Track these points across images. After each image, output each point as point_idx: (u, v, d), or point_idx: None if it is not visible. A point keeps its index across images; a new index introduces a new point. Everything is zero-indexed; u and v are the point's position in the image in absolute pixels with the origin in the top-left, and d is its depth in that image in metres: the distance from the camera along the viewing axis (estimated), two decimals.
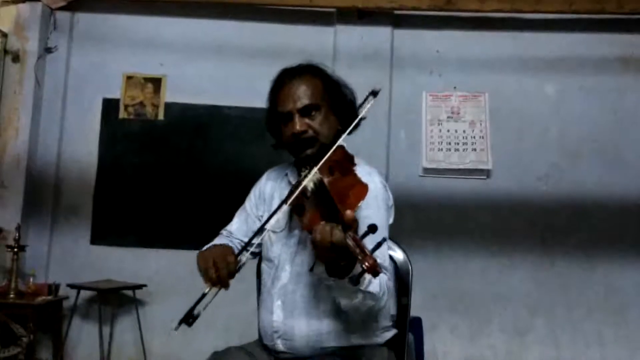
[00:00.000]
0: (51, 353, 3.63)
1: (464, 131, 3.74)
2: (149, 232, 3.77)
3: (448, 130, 3.75)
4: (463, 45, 3.81)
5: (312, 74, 1.57)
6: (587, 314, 3.62)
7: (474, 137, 3.73)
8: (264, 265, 1.63)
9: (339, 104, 1.57)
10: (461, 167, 3.71)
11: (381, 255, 1.38)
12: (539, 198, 3.70)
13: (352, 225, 1.17)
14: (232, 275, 1.36)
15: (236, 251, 1.48)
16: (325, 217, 1.25)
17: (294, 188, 1.41)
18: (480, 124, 3.74)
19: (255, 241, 1.46)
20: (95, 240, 3.77)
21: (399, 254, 1.76)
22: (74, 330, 3.64)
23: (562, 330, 3.63)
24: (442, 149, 3.73)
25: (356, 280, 1.17)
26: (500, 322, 3.66)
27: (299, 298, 1.50)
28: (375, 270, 1.11)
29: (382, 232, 1.41)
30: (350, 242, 1.14)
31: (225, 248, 1.49)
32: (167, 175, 3.81)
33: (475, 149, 3.71)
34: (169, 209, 3.78)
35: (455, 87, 3.79)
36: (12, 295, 3.31)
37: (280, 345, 1.51)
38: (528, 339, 3.64)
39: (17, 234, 3.37)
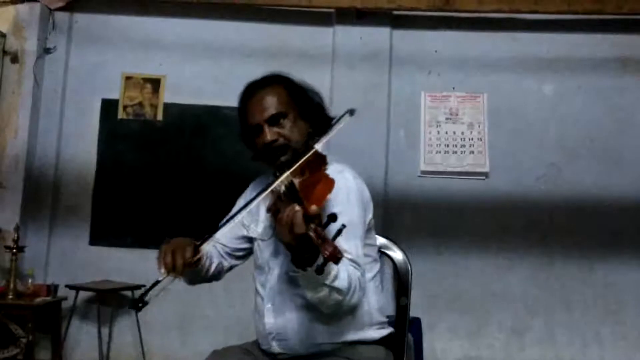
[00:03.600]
0: (50, 354, 3.63)
1: (462, 133, 3.74)
2: (148, 233, 3.77)
3: (446, 132, 3.75)
4: (461, 45, 3.81)
5: (276, 83, 1.61)
6: (586, 313, 3.63)
7: (472, 140, 3.73)
8: (255, 273, 1.66)
9: (307, 108, 1.59)
10: (459, 169, 3.72)
11: (354, 251, 1.42)
12: (537, 198, 3.71)
13: (313, 217, 1.18)
14: (188, 265, 1.41)
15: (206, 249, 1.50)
16: None
17: (262, 190, 1.42)
18: (479, 126, 3.74)
19: (223, 230, 1.49)
20: (94, 240, 3.78)
21: (398, 254, 1.76)
22: (72, 330, 3.64)
23: (560, 329, 3.64)
24: (440, 152, 3.73)
25: (320, 270, 1.19)
26: (499, 322, 3.67)
27: (288, 297, 1.52)
28: (335, 256, 1.12)
29: (357, 227, 1.46)
30: (312, 233, 1.16)
31: (187, 240, 1.49)
32: (166, 176, 3.81)
33: (473, 152, 3.72)
34: (168, 209, 3.78)
35: (454, 88, 3.79)
36: (11, 296, 3.30)
37: (275, 347, 1.52)
38: (526, 338, 3.65)
39: (15, 235, 3.36)
